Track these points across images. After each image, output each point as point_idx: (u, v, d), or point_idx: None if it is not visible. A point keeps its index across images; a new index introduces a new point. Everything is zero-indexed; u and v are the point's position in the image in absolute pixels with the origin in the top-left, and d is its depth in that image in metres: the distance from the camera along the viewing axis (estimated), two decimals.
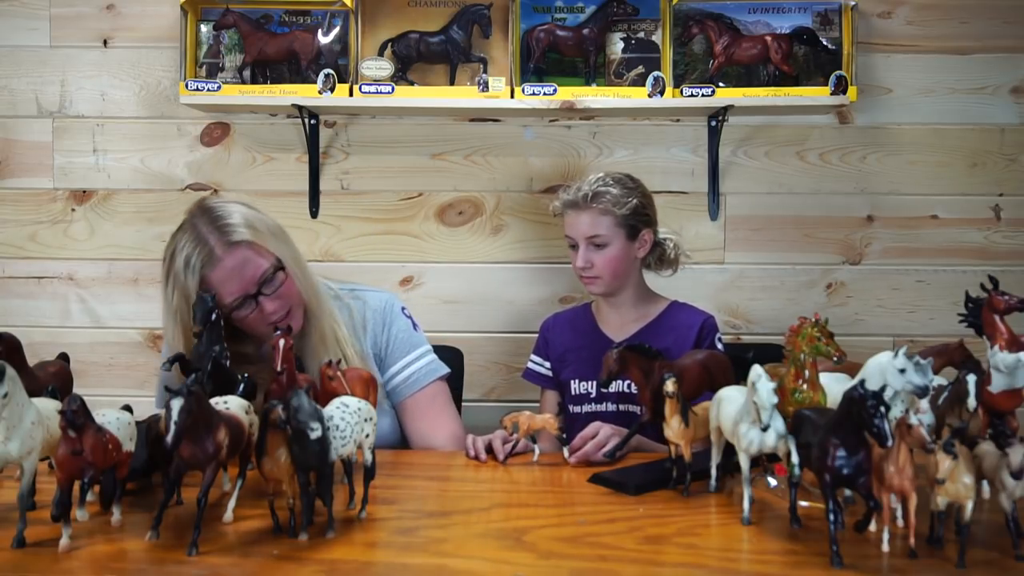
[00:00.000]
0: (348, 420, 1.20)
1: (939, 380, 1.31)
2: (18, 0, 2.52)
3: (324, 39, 2.37)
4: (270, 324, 1.60)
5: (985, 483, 1.15)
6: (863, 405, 1.06)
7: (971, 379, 1.24)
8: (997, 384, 1.20)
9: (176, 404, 1.07)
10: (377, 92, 2.32)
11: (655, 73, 2.32)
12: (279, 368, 1.32)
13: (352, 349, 1.73)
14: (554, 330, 2.09)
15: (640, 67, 2.38)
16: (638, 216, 1.94)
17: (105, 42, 2.53)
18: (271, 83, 2.37)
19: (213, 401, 1.22)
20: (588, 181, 1.95)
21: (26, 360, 1.36)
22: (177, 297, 1.59)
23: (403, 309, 1.87)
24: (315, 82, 2.32)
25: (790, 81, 2.34)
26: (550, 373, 2.07)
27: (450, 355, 2.14)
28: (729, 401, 1.31)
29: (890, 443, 1.05)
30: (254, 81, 2.37)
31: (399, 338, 1.83)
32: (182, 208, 2.50)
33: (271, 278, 1.61)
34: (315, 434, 1.10)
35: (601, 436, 1.59)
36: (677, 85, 2.33)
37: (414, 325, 1.87)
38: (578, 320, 2.08)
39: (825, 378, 1.30)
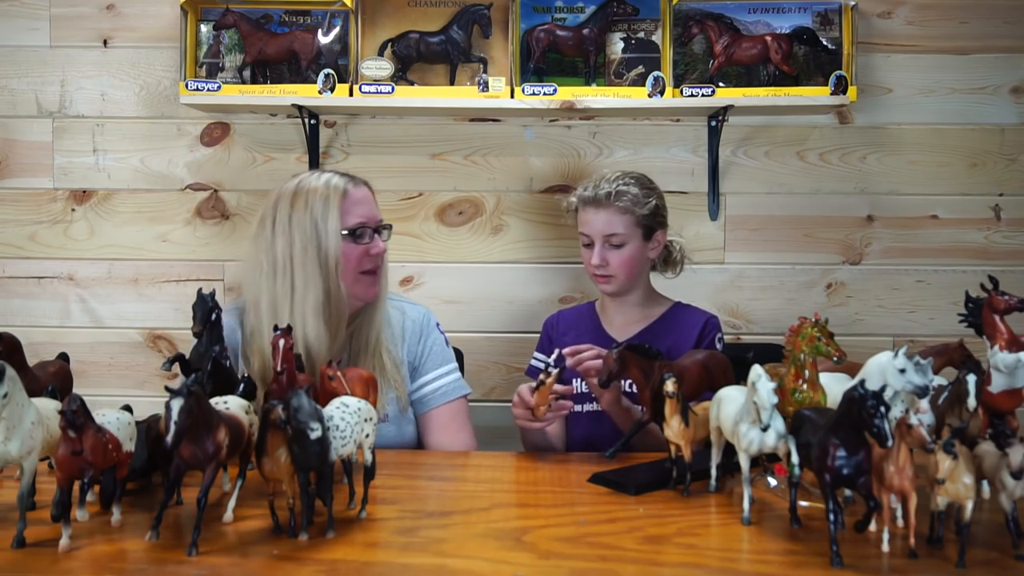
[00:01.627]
0: (348, 420, 1.20)
1: (939, 380, 1.31)
2: (18, 0, 2.52)
3: (324, 39, 2.37)
4: (368, 270, 1.71)
5: (985, 483, 1.15)
6: (863, 405, 1.06)
7: (971, 379, 1.24)
8: (997, 384, 1.20)
9: (176, 404, 1.07)
10: (377, 92, 2.32)
11: (655, 73, 2.32)
12: (279, 368, 1.32)
13: (388, 354, 1.77)
14: (558, 328, 2.09)
15: (640, 67, 2.38)
16: (655, 217, 1.94)
17: (105, 42, 2.53)
18: (271, 83, 2.36)
19: (213, 401, 1.22)
20: (607, 179, 1.92)
21: (26, 360, 1.36)
22: (309, 226, 1.66)
23: (437, 325, 1.90)
24: (315, 82, 2.32)
25: (790, 81, 2.34)
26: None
27: None
28: (729, 401, 1.31)
29: (890, 443, 1.05)
30: (254, 81, 2.37)
31: (434, 350, 1.86)
32: (182, 208, 2.55)
33: (385, 226, 1.76)
34: (315, 434, 1.10)
35: (593, 352, 1.67)
36: (677, 85, 2.33)
37: (446, 341, 1.91)
38: (582, 319, 2.08)
39: (825, 378, 1.30)
